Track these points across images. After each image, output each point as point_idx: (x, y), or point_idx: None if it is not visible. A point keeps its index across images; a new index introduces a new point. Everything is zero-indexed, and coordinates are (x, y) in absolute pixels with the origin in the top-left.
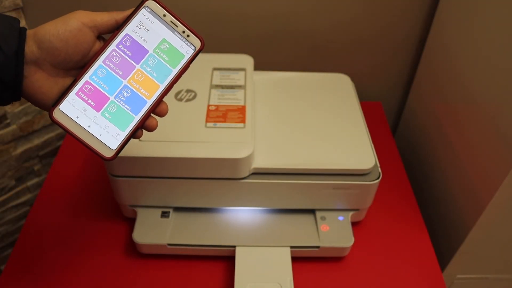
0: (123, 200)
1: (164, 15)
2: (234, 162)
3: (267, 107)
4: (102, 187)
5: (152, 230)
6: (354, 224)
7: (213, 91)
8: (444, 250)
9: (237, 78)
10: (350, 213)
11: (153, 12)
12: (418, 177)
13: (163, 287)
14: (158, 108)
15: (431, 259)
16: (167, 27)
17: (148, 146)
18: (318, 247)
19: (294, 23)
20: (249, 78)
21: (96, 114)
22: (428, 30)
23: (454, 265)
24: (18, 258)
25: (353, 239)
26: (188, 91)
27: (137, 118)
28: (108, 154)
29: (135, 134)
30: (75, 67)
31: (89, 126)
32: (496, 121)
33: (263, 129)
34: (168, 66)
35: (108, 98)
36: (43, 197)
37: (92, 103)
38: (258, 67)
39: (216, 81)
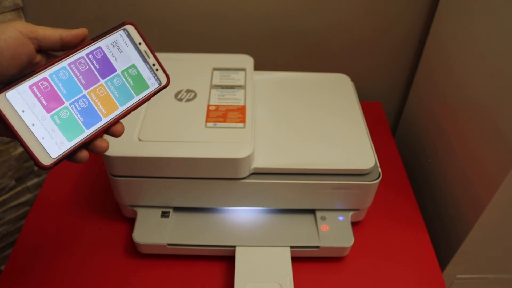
0: (123, 200)
1: (140, 43)
2: (234, 162)
3: (267, 107)
4: (102, 187)
5: (152, 230)
6: (354, 224)
7: (213, 91)
8: (444, 250)
9: (237, 78)
10: (350, 213)
11: (130, 37)
12: (418, 177)
13: (163, 287)
14: (114, 127)
15: (431, 259)
16: (139, 55)
17: (148, 146)
18: (318, 247)
19: (294, 23)
20: (249, 78)
21: (45, 114)
22: (428, 30)
23: (454, 265)
24: (18, 258)
25: (353, 239)
26: (188, 91)
27: (87, 132)
28: (45, 162)
29: (79, 156)
30: (10, 82)
31: (33, 125)
32: (496, 121)
33: (263, 129)
34: (132, 91)
35: (63, 102)
36: (43, 197)
37: (44, 102)
38: (258, 67)
39: (216, 81)
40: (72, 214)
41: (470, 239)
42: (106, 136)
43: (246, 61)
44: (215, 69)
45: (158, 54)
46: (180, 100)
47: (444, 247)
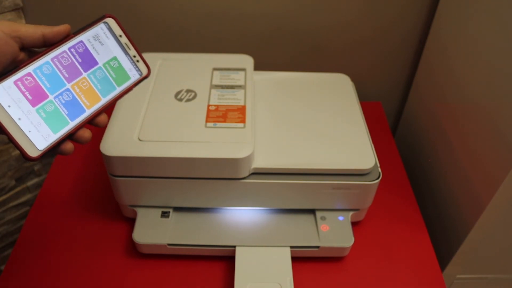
0: (123, 200)
1: (120, 36)
2: (234, 162)
3: (267, 107)
4: (102, 187)
5: (152, 230)
6: (354, 224)
7: (213, 91)
8: (444, 250)
9: (237, 78)
10: (350, 213)
11: (110, 29)
12: (418, 177)
13: (163, 287)
14: (97, 118)
15: (431, 259)
16: (120, 47)
17: (148, 146)
18: (318, 247)
19: (294, 23)
20: (249, 78)
21: (31, 108)
22: (428, 30)
23: (454, 265)
24: (18, 258)
25: (353, 239)
26: (188, 91)
27: (72, 124)
28: (32, 154)
29: (64, 148)
30: None
31: (19, 119)
32: (496, 121)
33: (263, 129)
34: (114, 83)
35: (47, 96)
36: (43, 197)
37: (29, 97)
38: (258, 67)
39: (216, 81)
40: (72, 214)
41: (470, 239)
42: (108, 136)
43: (246, 61)
44: (215, 69)
45: (158, 54)
46: (180, 100)
47: (444, 247)
